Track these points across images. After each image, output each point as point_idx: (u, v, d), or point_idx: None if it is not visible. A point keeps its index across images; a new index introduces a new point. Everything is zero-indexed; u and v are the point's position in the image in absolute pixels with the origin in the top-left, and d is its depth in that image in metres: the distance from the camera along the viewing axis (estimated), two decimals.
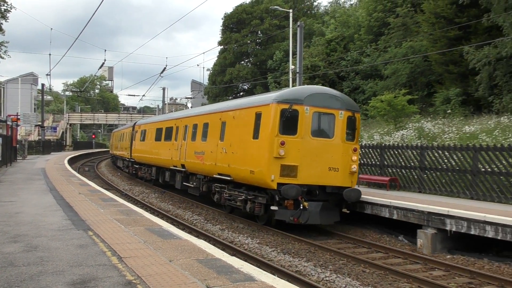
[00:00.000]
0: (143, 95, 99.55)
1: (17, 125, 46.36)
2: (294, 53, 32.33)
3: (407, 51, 31.94)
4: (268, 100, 14.03)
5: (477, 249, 12.09)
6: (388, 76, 33.15)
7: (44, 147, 54.37)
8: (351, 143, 14.37)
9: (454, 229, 11.87)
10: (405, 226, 13.75)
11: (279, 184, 13.31)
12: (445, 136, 21.60)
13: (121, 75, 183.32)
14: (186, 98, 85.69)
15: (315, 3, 65.53)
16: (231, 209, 17.28)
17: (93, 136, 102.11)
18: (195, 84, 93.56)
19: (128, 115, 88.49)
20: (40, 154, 50.58)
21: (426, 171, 17.29)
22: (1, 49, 40.96)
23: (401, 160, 18.45)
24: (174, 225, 12.90)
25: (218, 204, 17.99)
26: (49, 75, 54.61)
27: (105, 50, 36.13)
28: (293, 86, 29.68)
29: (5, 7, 37.98)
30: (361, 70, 38.07)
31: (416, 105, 28.53)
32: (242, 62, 64.52)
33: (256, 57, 62.61)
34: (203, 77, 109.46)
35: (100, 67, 38.37)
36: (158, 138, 25.97)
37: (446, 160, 16.64)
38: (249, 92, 57.53)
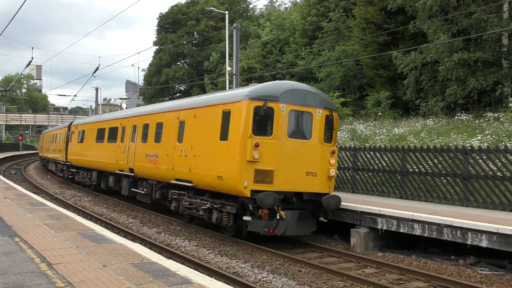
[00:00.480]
0: (75, 95, 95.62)
1: None
2: (230, 55, 32.44)
3: (340, 54, 32.90)
4: (238, 97, 12.58)
5: (406, 247, 12.65)
6: (322, 79, 33.96)
7: None
8: (329, 145, 13.16)
9: (385, 228, 12.35)
10: (339, 226, 14.11)
11: (252, 191, 11.90)
12: (376, 137, 22.44)
13: (51, 74, 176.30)
14: (120, 98, 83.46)
15: (250, 6, 66.06)
16: (191, 219, 15.72)
17: (20, 137, 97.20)
18: (130, 85, 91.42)
19: (58, 115, 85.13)
20: None
21: (359, 172, 17.87)
22: None
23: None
24: (108, 229, 12.55)
25: (175, 212, 16.09)
26: None
27: (33, 48, 34.44)
28: (229, 88, 29.67)
29: None
30: (296, 73, 38.74)
31: (349, 107, 29.47)
32: (178, 63, 63.91)
33: (193, 58, 62.21)
34: (138, 78, 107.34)
35: (27, 65, 36.58)
36: (100, 139, 23.76)
37: (377, 161, 17.29)
38: (186, 94, 57.05)
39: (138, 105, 45.48)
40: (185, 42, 61.92)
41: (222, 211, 13.00)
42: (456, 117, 21.99)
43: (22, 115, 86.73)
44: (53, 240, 8.49)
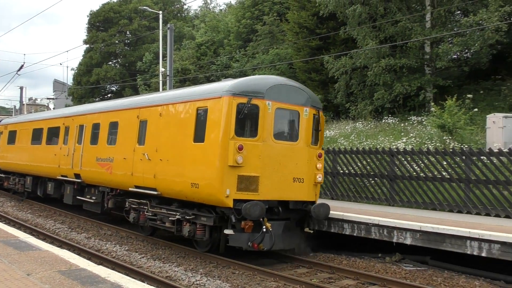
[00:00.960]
0: None
1: None
2: (164, 56, 32.01)
3: (274, 58, 33.40)
4: (217, 92, 11.08)
5: (336, 246, 13.03)
6: None
7: None
8: (316, 147, 11.96)
9: (316, 228, 12.68)
10: None
11: (235, 201, 10.50)
12: None
13: None
14: (48, 98, 79.94)
15: (185, 6, 65.59)
16: (153, 231, 13.98)
17: None
18: (58, 84, 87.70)
19: None
20: None
21: None
22: None
23: None
24: (33, 235, 12.05)
25: (134, 224, 14.29)
26: None
27: None
28: (163, 89, 29.24)
29: None
30: (230, 75, 38.87)
31: None
32: (110, 62, 62.17)
33: (125, 58, 60.76)
34: (67, 77, 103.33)
35: None
36: (36, 141, 21.23)
37: None
38: (118, 94, 55.63)
39: (66, 106, 43.78)
40: (117, 42, 60.38)
41: (195, 223, 11.46)
42: (383, 120, 22.97)
43: None
44: None
